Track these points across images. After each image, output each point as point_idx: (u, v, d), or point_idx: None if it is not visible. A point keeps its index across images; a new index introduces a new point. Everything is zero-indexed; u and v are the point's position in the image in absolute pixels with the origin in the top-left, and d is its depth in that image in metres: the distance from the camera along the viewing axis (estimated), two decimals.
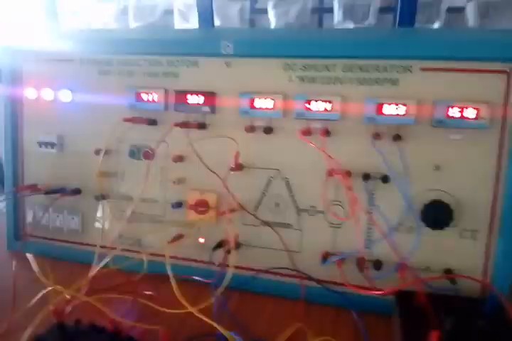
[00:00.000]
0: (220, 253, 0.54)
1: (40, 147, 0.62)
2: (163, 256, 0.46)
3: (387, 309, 0.47)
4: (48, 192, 0.61)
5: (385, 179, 0.49)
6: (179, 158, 0.56)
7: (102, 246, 0.58)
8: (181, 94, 0.55)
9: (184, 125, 0.54)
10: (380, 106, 0.48)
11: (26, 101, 0.62)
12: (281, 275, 0.54)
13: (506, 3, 1.04)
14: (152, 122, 0.56)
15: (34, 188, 0.63)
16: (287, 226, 0.54)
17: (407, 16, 0.96)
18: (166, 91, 0.56)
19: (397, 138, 0.47)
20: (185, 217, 0.57)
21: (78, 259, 0.60)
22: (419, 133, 0.48)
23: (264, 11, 2.42)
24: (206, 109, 0.54)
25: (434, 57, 0.47)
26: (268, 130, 0.52)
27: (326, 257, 0.52)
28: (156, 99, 0.56)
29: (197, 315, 0.41)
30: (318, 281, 0.52)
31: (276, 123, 0.52)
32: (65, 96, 0.59)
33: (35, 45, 0.60)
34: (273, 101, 0.51)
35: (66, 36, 0.62)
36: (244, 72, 0.53)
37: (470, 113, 0.46)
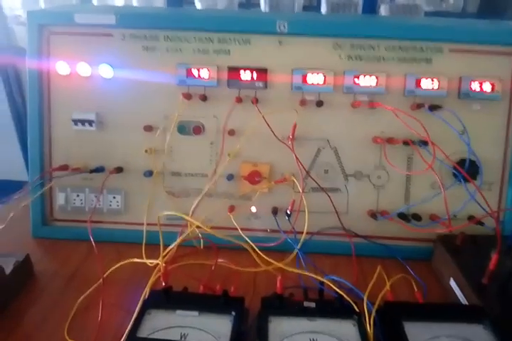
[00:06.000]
0: (271, 219, 0.59)
1: (76, 125, 0.59)
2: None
3: (427, 254, 0.58)
4: (92, 171, 0.59)
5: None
6: (231, 132, 0.59)
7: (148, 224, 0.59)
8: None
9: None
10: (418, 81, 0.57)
11: (56, 77, 0.59)
12: (333, 234, 0.60)
13: None
14: (204, 98, 0.58)
15: (66, 169, 0.60)
16: (335, 190, 0.61)
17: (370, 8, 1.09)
18: (219, 68, 0.58)
19: (435, 108, 0.56)
20: (237, 189, 0.60)
21: (122, 239, 0.60)
22: (449, 104, 0.58)
23: (192, 2, 2.39)
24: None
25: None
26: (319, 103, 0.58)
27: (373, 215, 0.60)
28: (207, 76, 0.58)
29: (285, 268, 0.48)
30: (366, 237, 0.60)
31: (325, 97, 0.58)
32: (106, 72, 0.58)
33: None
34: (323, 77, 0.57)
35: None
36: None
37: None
